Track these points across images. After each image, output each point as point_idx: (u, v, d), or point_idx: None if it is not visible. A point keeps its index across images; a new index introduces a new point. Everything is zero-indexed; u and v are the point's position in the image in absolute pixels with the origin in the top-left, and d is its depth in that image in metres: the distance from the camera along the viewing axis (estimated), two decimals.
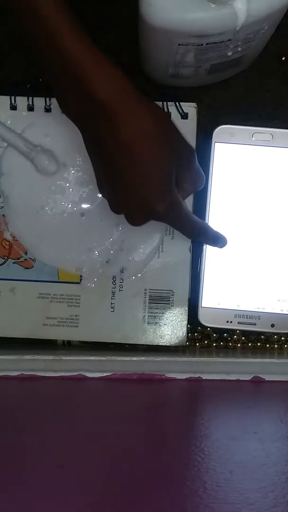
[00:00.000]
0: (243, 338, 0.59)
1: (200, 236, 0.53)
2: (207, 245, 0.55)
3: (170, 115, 0.55)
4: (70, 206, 0.56)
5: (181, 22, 0.44)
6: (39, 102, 0.56)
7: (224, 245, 0.54)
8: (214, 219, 0.56)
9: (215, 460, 0.36)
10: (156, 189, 0.45)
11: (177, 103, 0.56)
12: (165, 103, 0.56)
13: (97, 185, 0.49)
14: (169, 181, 0.46)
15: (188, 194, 0.50)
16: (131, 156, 0.44)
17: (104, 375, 0.50)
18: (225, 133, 0.56)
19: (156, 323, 0.56)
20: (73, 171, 0.56)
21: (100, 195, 0.56)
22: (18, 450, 0.38)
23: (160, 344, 0.57)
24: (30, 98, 0.56)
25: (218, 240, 0.54)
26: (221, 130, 0.56)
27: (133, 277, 0.56)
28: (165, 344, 0.57)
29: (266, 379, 0.50)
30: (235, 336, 0.59)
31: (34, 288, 0.57)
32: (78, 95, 0.43)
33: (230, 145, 0.56)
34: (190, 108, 0.56)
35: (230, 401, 0.49)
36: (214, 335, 0.59)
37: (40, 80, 0.57)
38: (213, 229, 0.54)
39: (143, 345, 0.57)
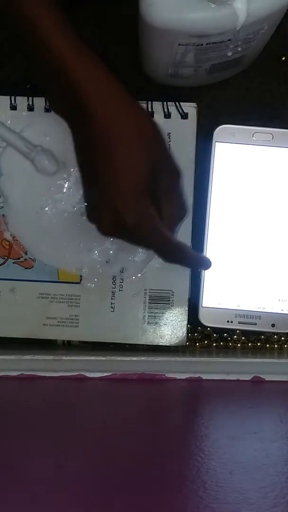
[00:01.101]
0: (243, 338, 0.59)
1: (181, 261, 0.50)
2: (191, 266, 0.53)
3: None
4: (70, 206, 0.56)
5: (181, 22, 0.44)
6: (39, 102, 0.56)
7: (208, 267, 0.52)
8: (215, 219, 0.56)
9: (215, 460, 0.36)
10: (126, 194, 0.43)
11: (177, 103, 0.56)
12: (165, 103, 0.56)
13: (82, 189, 0.48)
14: (142, 189, 0.43)
15: (170, 221, 0.46)
16: (105, 156, 0.42)
17: (104, 375, 0.50)
18: (225, 133, 0.56)
19: (156, 323, 0.56)
20: (73, 171, 0.56)
21: None
22: (18, 450, 0.38)
23: (160, 344, 0.57)
24: (30, 98, 0.56)
25: (202, 264, 0.52)
26: (221, 130, 0.56)
27: (133, 277, 0.56)
28: (165, 344, 0.57)
29: (266, 379, 0.50)
30: (235, 336, 0.59)
31: (34, 288, 0.57)
32: (62, 92, 0.42)
33: (231, 145, 0.56)
34: (190, 108, 0.56)
35: (230, 401, 0.49)
36: (214, 335, 0.59)
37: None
38: (193, 252, 0.51)
39: (143, 345, 0.57)
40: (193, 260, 0.51)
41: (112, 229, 0.45)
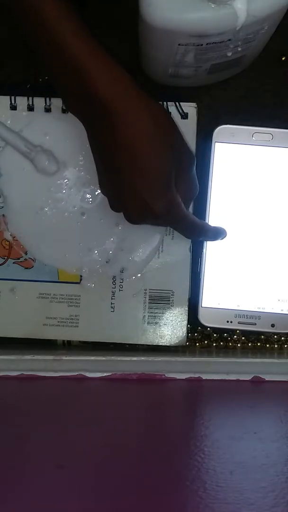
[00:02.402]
0: (243, 338, 0.59)
1: (200, 235, 0.54)
2: (207, 241, 0.56)
3: (171, 114, 0.54)
4: (70, 206, 0.56)
5: (181, 22, 0.44)
6: (39, 102, 0.56)
7: (225, 236, 0.55)
8: (214, 219, 0.56)
9: (215, 460, 0.36)
10: (154, 188, 0.45)
11: (177, 103, 0.56)
12: (165, 103, 0.56)
13: (99, 183, 0.49)
14: (167, 181, 0.46)
15: (184, 200, 0.49)
16: (130, 155, 0.44)
17: (104, 375, 0.50)
18: (225, 133, 0.56)
19: (156, 323, 0.56)
20: (73, 171, 0.56)
21: (100, 194, 0.56)
22: (18, 450, 0.38)
23: (160, 344, 0.57)
24: (30, 98, 0.56)
25: (218, 235, 0.54)
26: (221, 130, 0.56)
27: (133, 277, 0.56)
28: (165, 344, 0.57)
29: (266, 379, 0.50)
30: (235, 336, 0.59)
31: (34, 288, 0.57)
32: (78, 92, 0.43)
33: (231, 145, 0.56)
34: (190, 108, 0.56)
35: (230, 401, 0.49)
36: (214, 335, 0.59)
37: (40, 80, 0.57)
38: (212, 227, 0.54)
39: (143, 345, 0.57)
40: (213, 235, 0.54)
41: (141, 218, 0.48)
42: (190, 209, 0.56)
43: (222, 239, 0.55)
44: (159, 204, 0.46)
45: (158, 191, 0.46)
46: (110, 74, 0.42)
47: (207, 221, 0.56)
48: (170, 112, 0.55)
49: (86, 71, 0.41)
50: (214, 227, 0.54)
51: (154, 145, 0.44)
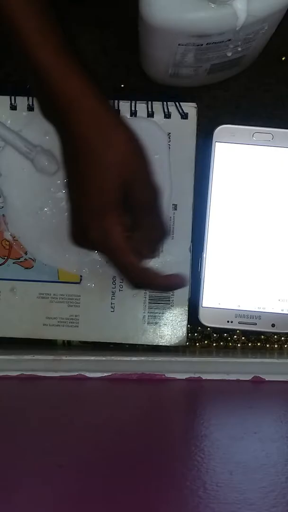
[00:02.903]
0: (243, 338, 0.59)
1: (143, 285, 0.46)
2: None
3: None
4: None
5: (181, 22, 0.44)
6: None
7: (184, 286, 0.48)
8: (215, 219, 0.56)
9: (215, 460, 0.36)
10: (91, 213, 0.43)
11: (177, 103, 0.56)
12: (165, 103, 0.56)
13: None
14: (109, 208, 0.42)
15: (147, 240, 0.45)
16: (77, 171, 0.43)
17: (104, 375, 0.50)
18: (225, 133, 0.56)
19: (156, 323, 0.56)
20: None
21: None
22: (18, 450, 0.38)
23: (160, 344, 0.57)
24: (30, 98, 0.56)
25: (172, 286, 0.47)
26: (221, 130, 0.56)
27: None
28: (165, 344, 0.57)
29: (266, 379, 0.50)
30: (235, 336, 0.59)
31: (34, 288, 0.57)
32: (45, 99, 0.43)
33: (231, 145, 0.56)
34: (190, 108, 0.56)
35: (230, 401, 0.49)
36: (214, 335, 0.59)
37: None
38: (162, 278, 0.46)
39: (143, 345, 0.57)
40: (163, 287, 0.47)
41: (80, 241, 0.45)
42: (189, 210, 0.56)
43: (182, 287, 0.48)
44: (94, 228, 0.42)
45: (95, 214, 0.42)
46: (76, 86, 0.41)
47: (207, 222, 0.56)
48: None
49: (53, 80, 0.41)
50: (169, 278, 0.46)
51: (100, 162, 0.42)
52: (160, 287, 0.47)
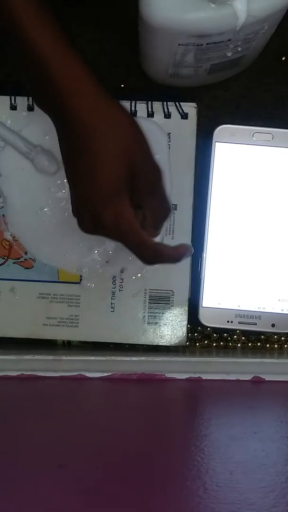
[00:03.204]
0: (243, 338, 0.59)
1: (156, 260, 0.48)
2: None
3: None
4: (70, 205, 0.56)
5: (181, 22, 0.44)
6: None
7: (191, 253, 0.50)
8: (215, 219, 0.56)
9: (215, 460, 0.36)
10: (103, 197, 0.43)
11: (177, 103, 0.56)
12: (165, 103, 0.56)
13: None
14: (119, 191, 0.43)
15: (152, 219, 0.46)
16: (82, 158, 0.43)
17: (104, 375, 0.50)
18: (225, 133, 0.56)
19: (156, 323, 0.56)
20: None
21: None
22: (18, 450, 0.38)
23: (160, 344, 0.57)
24: (30, 98, 0.56)
25: (181, 255, 0.48)
26: (221, 130, 0.56)
27: (133, 277, 0.56)
28: (165, 344, 0.57)
29: (266, 379, 0.50)
30: (235, 336, 0.59)
31: (34, 288, 0.57)
32: (41, 88, 0.42)
33: (231, 145, 0.56)
34: (190, 108, 0.56)
35: (230, 401, 0.49)
36: (214, 335, 0.59)
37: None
38: (172, 250, 0.48)
39: (143, 345, 0.57)
40: (173, 259, 0.48)
41: (91, 227, 0.45)
42: (189, 210, 0.56)
43: (188, 256, 0.50)
44: (107, 212, 0.43)
45: (106, 199, 0.43)
46: (74, 72, 0.41)
47: (207, 222, 0.56)
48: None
49: (50, 67, 0.41)
50: (178, 250, 0.48)
51: (106, 146, 0.42)
52: (171, 259, 0.48)
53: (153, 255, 0.46)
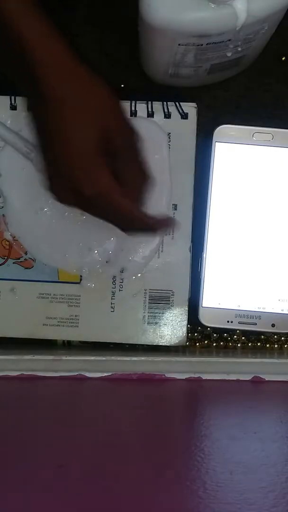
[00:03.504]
0: (243, 338, 0.59)
1: (139, 229, 0.48)
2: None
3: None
4: (70, 205, 0.56)
5: (181, 22, 0.44)
6: None
7: (175, 227, 0.49)
8: (215, 219, 0.56)
9: (215, 460, 0.36)
10: (79, 165, 0.43)
11: (177, 103, 0.56)
12: (165, 103, 0.56)
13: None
14: (95, 159, 0.43)
15: (131, 187, 0.45)
16: (55, 126, 0.43)
17: (104, 375, 0.50)
18: (225, 133, 0.56)
19: (156, 323, 0.56)
20: None
21: None
22: (18, 450, 0.38)
23: (160, 344, 0.57)
24: None
25: (159, 226, 0.48)
26: (221, 130, 0.56)
27: (133, 277, 0.56)
28: (165, 344, 0.57)
29: (266, 379, 0.50)
30: (235, 336, 0.59)
31: (34, 288, 0.57)
32: (18, 59, 0.42)
33: (231, 145, 0.56)
34: (190, 108, 0.56)
35: (230, 401, 0.49)
36: (214, 335, 0.59)
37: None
38: (155, 220, 0.47)
39: (143, 345, 0.57)
40: (151, 228, 0.48)
41: (71, 199, 0.45)
42: (189, 210, 0.56)
43: (172, 230, 0.50)
44: (85, 181, 0.43)
45: (83, 167, 0.43)
46: (47, 42, 0.41)
47: (207, 222, 0.56)
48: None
49: (22, 33, 0.41)
50: (162, 219, 0.48)
51: (78, 113, 0.42)
52: (148, 228, 0.48)
53: (129, 218, 0.46)
